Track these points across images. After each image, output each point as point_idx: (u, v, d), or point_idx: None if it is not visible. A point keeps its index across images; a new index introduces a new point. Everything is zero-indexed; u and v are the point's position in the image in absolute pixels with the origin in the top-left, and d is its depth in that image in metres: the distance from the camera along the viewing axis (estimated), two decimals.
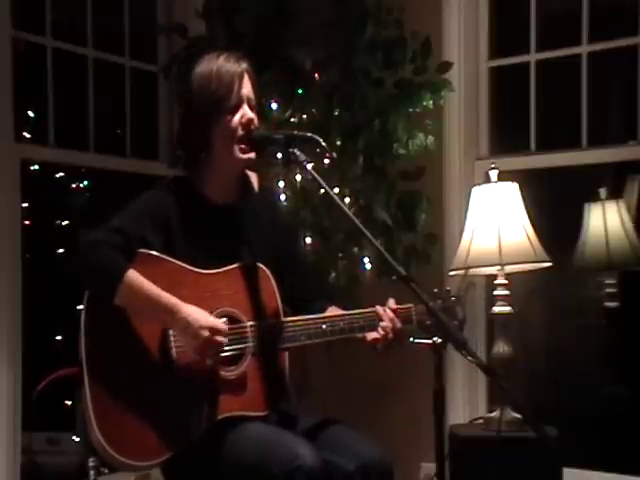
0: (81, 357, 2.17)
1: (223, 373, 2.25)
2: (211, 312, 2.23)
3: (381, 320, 2.38)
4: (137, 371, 2.19)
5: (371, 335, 2.38)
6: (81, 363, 2.16)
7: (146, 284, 2.18)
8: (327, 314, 2.42)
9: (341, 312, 2.43)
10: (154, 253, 2.24)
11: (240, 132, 2.32)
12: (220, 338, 2.19)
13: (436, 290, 2.46)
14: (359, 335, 2.39)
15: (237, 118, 2.31)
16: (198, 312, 2.19)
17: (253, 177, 2.49)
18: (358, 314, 2.40)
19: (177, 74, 3.68)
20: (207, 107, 2.29)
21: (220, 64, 2.31)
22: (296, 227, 3.40)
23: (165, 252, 2.25)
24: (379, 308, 2.40)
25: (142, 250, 2.22)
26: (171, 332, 2.22)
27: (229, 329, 2.24)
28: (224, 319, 2.25)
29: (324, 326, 2.36)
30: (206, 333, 2.16)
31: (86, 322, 2.18)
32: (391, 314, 2.39)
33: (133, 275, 2.18)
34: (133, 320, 2.21)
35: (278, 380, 2.35)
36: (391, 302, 2.42)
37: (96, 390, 2.15)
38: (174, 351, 2.22)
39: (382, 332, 2.37)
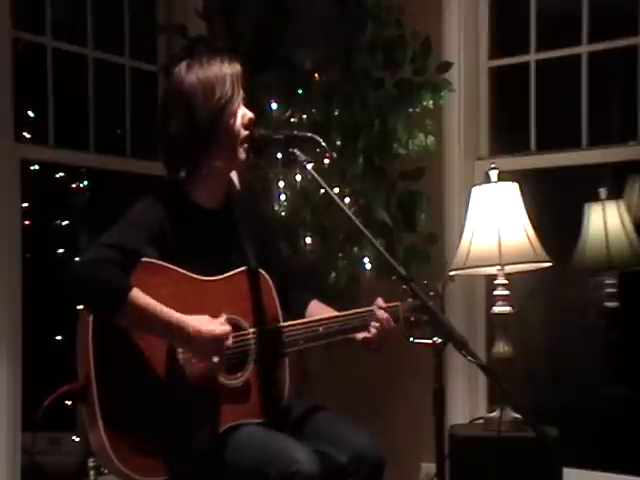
0: (89, 365, 2.12)
1: (228, 382, 2.24)
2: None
3: (373, 320, 2.39)
4: (144, 383, 2.16)
5: (362, 335, 2.40)
6: (88, 372, 2.12)
7: (150, 302, 2.13)
8: (323, 316, 2.42)
9: (331, 310, 2.45)
10: (156, 262, 2.21)
11: (243, 133, 2.33)
12: (225, 344, 2.18)
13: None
14: (351, 336, 2.40)
15: (239, 120, 2.32)
16: (201, 321, 2.17)
17: (234, 175, 2.48)
18: (353, 315, 2.41)
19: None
20: (213, 113, 2.27)
21: (218, 69, 2.29)
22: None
23: (161, 260, 2.22)
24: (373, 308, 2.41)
25: (145, 259, 2.19)
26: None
27: (233, 337, 2.23)
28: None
29: (321, 329, 2.36)
30: (211, 344, 2.16)
31: (93, 333, 2.13)
32: (384, 313, 2.40)
33: (137, 294, 2.12)
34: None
35: (278, 386, 2.34)
36: (379, 301, 2.43)
37: (105, 404, 2.11)
38: (181, 359, 2.20)
39: (374, 331, 2.38)
